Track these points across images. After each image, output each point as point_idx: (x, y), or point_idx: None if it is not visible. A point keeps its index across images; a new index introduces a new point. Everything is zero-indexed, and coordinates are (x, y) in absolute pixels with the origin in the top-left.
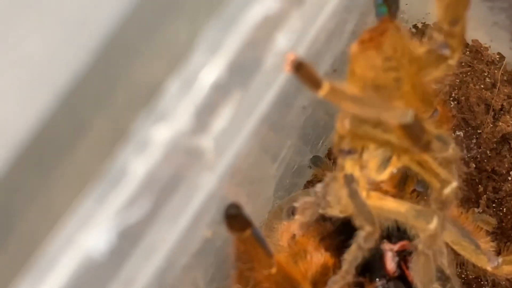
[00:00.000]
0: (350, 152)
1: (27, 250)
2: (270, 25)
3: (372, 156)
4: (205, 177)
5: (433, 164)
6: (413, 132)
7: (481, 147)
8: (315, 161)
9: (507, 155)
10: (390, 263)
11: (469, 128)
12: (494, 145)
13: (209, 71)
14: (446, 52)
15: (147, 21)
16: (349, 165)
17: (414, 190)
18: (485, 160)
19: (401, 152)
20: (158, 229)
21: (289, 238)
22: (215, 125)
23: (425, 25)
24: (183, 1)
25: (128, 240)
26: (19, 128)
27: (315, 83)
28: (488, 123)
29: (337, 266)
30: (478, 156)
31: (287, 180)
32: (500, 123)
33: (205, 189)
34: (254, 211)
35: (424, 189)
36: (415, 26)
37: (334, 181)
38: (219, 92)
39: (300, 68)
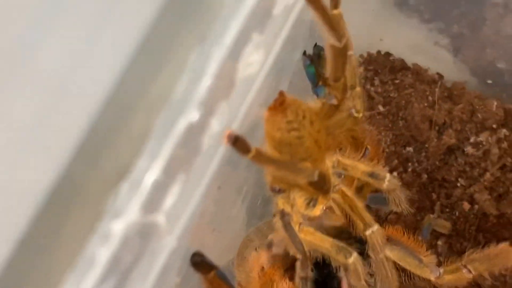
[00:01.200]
0: (280, 191)
1: None
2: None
3: (298, 196)
4: (164, 243)
5: (359, 207)
6: (319, 184)
7: (430, 159)
8: None
9: (454, 164)
10: None
11: (418, 143)
12: (442, 156)
13: (152, 174)
14: (334, 101)
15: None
16: (281, 203)
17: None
18: (435, 170)
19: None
20: None
21: (259, 269)
22: (164, 204)
23: (370, 54)
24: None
25: None
26: None
27: (246, 150)
28: (433, 138)
29: None
30: (429, 167)
31: (257, 210)
32: (444, 137)
33: (166, 251)
34: (227, 244)
35: (379, 204)
36: (361, 56)
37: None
38: (161, 185)
39: (235, 140)
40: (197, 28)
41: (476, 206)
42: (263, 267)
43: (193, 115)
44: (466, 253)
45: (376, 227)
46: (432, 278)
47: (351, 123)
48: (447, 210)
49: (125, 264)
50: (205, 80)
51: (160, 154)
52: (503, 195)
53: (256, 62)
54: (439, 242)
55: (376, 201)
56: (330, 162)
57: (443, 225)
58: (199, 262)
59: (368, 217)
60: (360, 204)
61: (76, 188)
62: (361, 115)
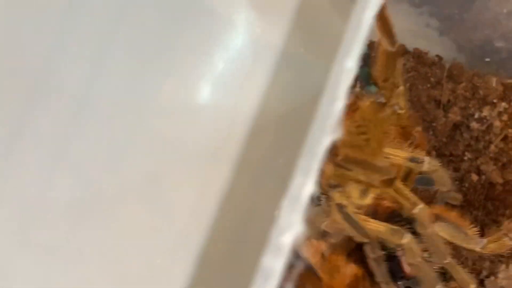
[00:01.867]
0: (336, 186)
1: None
2: None
3: (353, 188)
4: None
5: (404, 190)
6: (390, 181)
7: (438, 137)
8: None
9: (460, 139)
10: (407, 267)
11: (425, 122)
12: (448, 133)
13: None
14: (382, 99)
15: None
16: (337, 197)
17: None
18: (443, 147)
19: (370, 187)
20: None
21: (319, 257)
22: None
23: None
24: None
25: None
26: None
27: (336, 153)
28: (440, 116)
29: (365, 275)
30: (436, 144)
31: None
32: (450, 115)
33: None
34: None
35: (425, 185)
36: None
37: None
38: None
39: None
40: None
41: (483, 177)
42: (323, 254)
43: None
44: (506, 222)
45: (421, 205)
46: (478, 248)
47: (396, 119)
48: (457, 182)
49: None
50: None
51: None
52: (507, 164)
53: None
54: None
55: (422, 182)
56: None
57: (455, 197)
58: None
59: (413, 197)
60: (403, 187)
61: None
62: (404, 111)
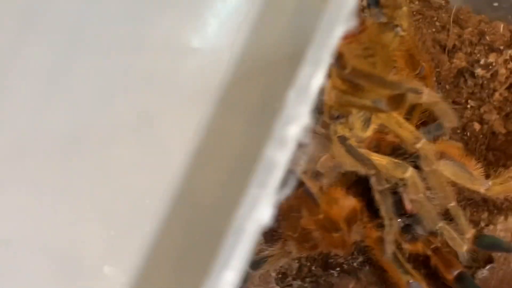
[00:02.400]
0: (338, 117)
1: None
2: None
3: (356, 118)
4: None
5: (407, 124)
6: (400, 98)
7: (441, 83)
8: None
9: (464, 87)
10: (408, 203)
11: None
12: (452, 79)
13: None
14: (383, 19)
15: None
16: (340, 128)
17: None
18: (446, 94)
19: (376, 112)
20: None
21: (317, 190)
22: None
23: None
24: None
25: None
26: None
27: (344, 66)
28: (445, 61)
29: (363, 209)
30: (440, 91)
31: None
32: (455, 60)
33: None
34: None
35: (433, 133)
36: None
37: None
38: None
39: (338, 57)
40: None
41: (486, 126)
42: (321, 187)
43: None
44: None
45: (424, 139)
46: (482, 190)
47: (398, 42)
48: (458, 131)
49: None
50: None
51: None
52: (510, 114)
53: None
54: None
55: (430, 131)
56: None
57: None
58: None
59: (415, 131)
60: (404, 120)
61: None
62: (406, 33)
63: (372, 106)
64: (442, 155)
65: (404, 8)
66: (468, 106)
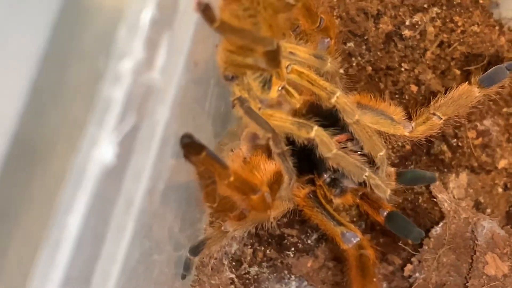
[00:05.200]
0: (233, 78)
1: None
2: None
3: (252, 79)
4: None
5: (318, 79)
6: (274, 55)
7: (372, 51)
8: None
9: (395, 51)
10: None
11: (357, 37)
12: (382, 45)
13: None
14: None
15: None
16: (237, 90)
17: None
18: (378, 60)
19: (257, 70)
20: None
21: (241, 161)
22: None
23: None
24: None
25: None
26: None
27: (212, 19)
28: (370, 28)
29: None
30: (371, 58)
31: (219, 126)
32: (381, 25)
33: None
34: None
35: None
36: None
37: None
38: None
39: (204, 9)
40: None
41: (423, 87)
42: (245, 158)
43: None
44: (432, 102)
45: (339, 92)
46: (406, 133)
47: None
48: (397, 96)
49: None
50: None
51: None
52: (446, 71)
53: None
54: None
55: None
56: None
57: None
58: (189, 143)
59: (328, 85)
60: (316, 77)
61: None
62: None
63: (254, 65)
64: (359, 105)
65: None
66: (402, 69)
